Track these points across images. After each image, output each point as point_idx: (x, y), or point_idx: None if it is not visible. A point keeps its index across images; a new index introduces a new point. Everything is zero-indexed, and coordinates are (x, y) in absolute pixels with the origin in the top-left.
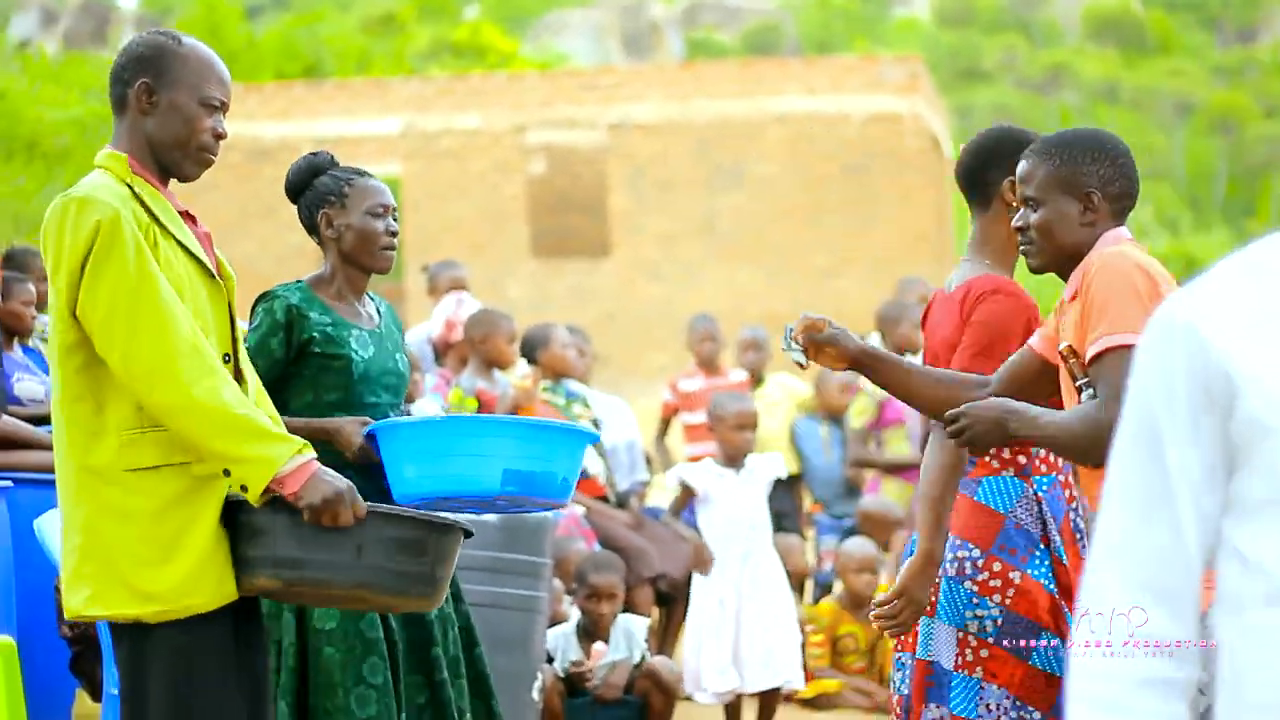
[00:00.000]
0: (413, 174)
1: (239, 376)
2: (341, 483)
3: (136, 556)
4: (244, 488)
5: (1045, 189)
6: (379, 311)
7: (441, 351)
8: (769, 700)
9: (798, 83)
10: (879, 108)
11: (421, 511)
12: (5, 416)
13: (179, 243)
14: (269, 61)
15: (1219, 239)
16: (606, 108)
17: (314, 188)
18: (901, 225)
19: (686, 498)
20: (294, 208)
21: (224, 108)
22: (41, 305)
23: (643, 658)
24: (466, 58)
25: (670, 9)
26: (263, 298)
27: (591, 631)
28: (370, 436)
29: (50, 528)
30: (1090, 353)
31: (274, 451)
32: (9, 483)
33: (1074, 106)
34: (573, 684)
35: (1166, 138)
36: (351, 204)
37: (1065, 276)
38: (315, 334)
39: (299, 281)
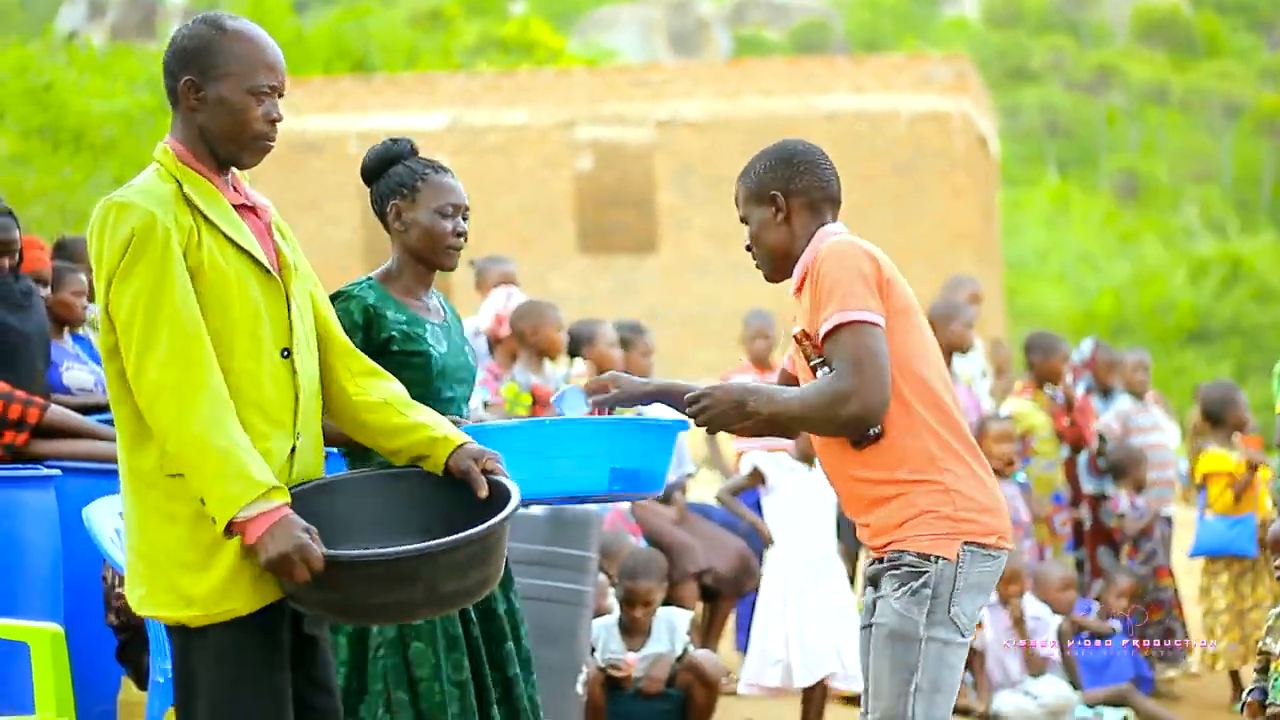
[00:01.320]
0: (460, 169)
1: (294, 370)
2: (297, 539)
3: (179, 560)
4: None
5: (745, 205)
6: (442, 305)
7: (492, 345)
8: (818, 695)
9: (846, 81)
10: (927, 107)
11: (391, 551)
12: (54, 405)
13: (229, 240)
14: (317, 56)
15: (1266, 241)
16: (655, 104)
17: (388, 176)
18: (948, 224)
19: (753, 483)
20: (339, 202)
21: (276, 91)
22: (93, 295)
23: (685, 651)
24: (514, 53)
25: (719, 6)
26: (336, 297)
27: (630, 628)
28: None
29: (98, 516)
30: (823, 330)
31: (237, 491)
32: (58, 471)
33: (1122, 108)
34: (614, 677)
35: (1214, 140)
36: (422, 200)
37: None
38: (394, 333)
39: (369, 279)
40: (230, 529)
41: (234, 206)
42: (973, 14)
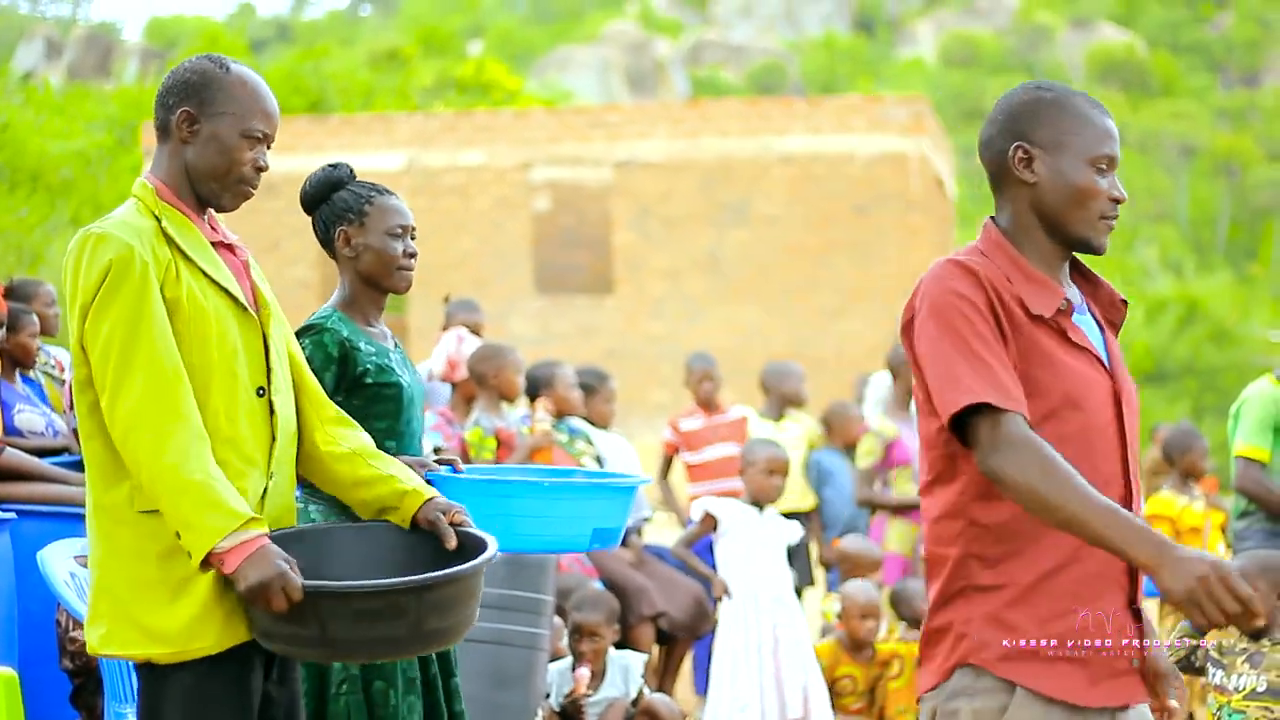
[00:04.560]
0: (417, 210)
1: (272, 410)
2: (277, 567)
3: (146, 597)
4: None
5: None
6: (387, 332)
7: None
8: None
9: (803, 122)
10: (884, 148)
11: (383, 582)
12: (7, 449)
13: (207, 276)
14: (274, 96)
15: (1222, 281)
16: (612, 145)
17: (332, 202)
18: (906, 265)
19: (706, 530)
20: (296, 242)
21: (267, 140)
22: (44, 334)
23: (640, 694)
24: (471, 94)
25: (676, 48)
26: (309, 330)
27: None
28: (430, 481)
29: (53, 560)
30: None
31: (216, 523)
32: (12, 514)
33: None
34: (569, 718)
35: (1170, 180)
36: (371, 223)
37: None
38: (368, 365)
39: (335, 310)
40: (208, 561)
41: (212, 244)
42: (929, 55)
